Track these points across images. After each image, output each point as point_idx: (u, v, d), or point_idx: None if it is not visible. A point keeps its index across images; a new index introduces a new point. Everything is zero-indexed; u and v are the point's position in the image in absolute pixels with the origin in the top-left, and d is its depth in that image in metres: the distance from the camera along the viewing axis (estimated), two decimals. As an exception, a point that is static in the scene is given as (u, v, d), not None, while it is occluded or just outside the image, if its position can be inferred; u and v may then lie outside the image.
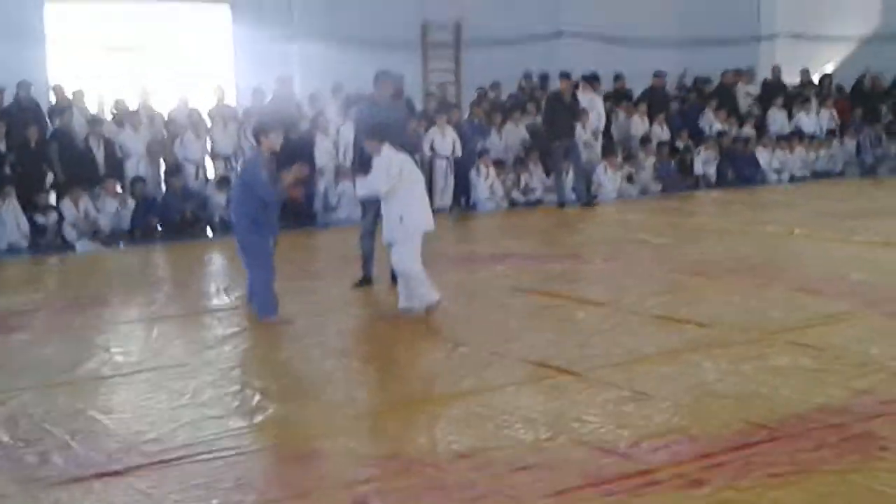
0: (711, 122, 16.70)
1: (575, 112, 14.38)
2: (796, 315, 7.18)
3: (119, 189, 12.61)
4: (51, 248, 11.60)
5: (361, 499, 4.21)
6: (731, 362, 6.00)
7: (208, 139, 13.42)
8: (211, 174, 13.40)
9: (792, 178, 16.62)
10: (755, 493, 4.11)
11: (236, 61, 15.47)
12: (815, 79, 18.83)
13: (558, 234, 12.14)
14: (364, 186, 7.62)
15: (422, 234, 7.46)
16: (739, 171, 16.13)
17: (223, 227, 12.45)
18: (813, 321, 6.95)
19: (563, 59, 15.78)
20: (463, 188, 14.20)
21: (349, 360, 6.63)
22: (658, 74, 16.78)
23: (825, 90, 18.57)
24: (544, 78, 16.50)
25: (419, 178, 7.64)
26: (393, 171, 7.34)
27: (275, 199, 7.45)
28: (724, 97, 17.29)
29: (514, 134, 15.07)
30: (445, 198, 13.92)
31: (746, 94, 17.82)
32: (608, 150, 15.22)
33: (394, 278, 8.77)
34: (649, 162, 15.50)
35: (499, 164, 14.38)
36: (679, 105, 17.02)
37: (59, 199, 12.13)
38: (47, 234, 11.82)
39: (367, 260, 8.74)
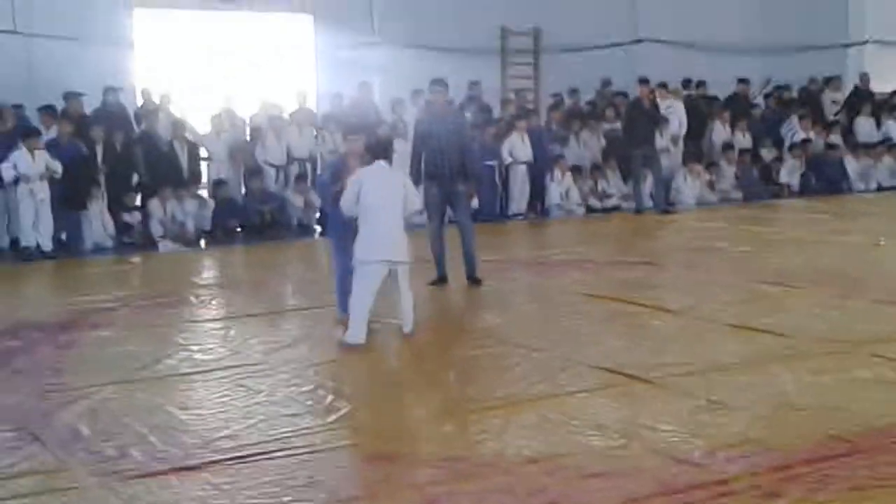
0: (795, 129, 16.37)
1: (655, 118, 14.24)
2: (880, 327, 6.97)
3: (201, 191, 12.92)
4: (134, 248, 11.88)
5: (431, 500, 4.21)
6: (811, 373, 5.86)
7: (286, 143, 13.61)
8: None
9: (879, 188, 16.21)
10: (834, 507, 4.01)
11: (318, 68, 15.68)
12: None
13: (635, 241, 12.01)
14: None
15: (375, 266, 6.82)
16: (825, 179, 15.78)
17: (301, 230, 12.63)
18: (897, 334, 6.76)
19: (643, 66, 15.63)
20: (538, 194, 14.17)
21: (422, 362, 6.65)
22: (741, 81, 16.56)
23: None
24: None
25: (383, 205, 6.83)
26: (353, 192, 6.84)
27: (327, 203, 7.59)
28: (810, 104, 16.97)
29: (591, 140, 14.98)
30: (521, 203, 13.95)
31: (833, 101, 17.44)
32: (688, 157, 15.05)
33: (469, 278, 8.79)
34: (730, 169, 15.28)
35: (576, 170, 14.33)
36: (762, 112, 16.75)
37: (144, 199, 12.44)
38: (132, 233, 12.14)
39: (438, 261, 8.82)
